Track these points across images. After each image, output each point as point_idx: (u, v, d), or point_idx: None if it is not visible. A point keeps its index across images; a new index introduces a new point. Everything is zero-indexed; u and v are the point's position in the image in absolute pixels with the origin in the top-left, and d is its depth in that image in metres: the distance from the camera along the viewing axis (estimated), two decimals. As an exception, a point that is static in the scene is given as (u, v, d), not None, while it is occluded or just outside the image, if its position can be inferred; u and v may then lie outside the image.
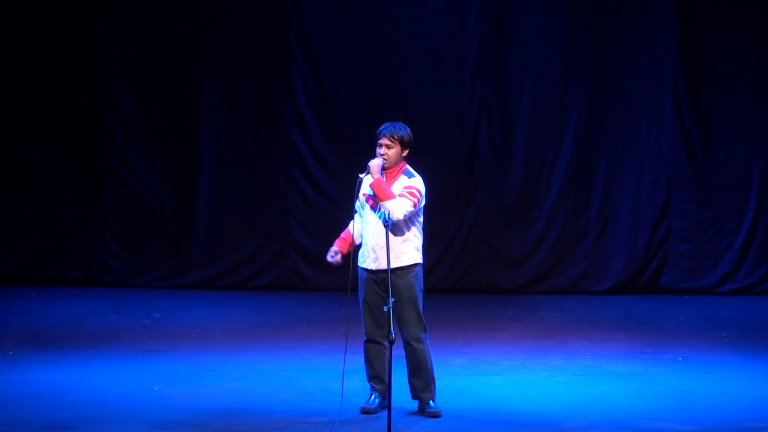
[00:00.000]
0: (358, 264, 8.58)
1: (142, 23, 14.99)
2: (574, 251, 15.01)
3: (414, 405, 8.65)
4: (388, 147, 8.48)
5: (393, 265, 8.33)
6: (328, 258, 8.61)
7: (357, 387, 8.83)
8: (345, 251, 8.63)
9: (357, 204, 8.69)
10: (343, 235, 8.71)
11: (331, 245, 8.67)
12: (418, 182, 8.52)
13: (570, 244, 15.02)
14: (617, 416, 8.60)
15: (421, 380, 8.55)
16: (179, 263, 15.05)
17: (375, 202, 8.43)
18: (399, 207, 8.36)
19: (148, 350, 11.00)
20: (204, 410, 8.65)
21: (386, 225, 8.29)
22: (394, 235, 8.42)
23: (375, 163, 8.41)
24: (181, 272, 15.03)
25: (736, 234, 14.94)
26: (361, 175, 8.44)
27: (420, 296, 8.55)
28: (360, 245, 8.66)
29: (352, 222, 8.75)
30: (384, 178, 8.45)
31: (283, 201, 15.04)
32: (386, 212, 8.36)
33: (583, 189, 15.02)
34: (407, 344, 8.54)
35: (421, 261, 8.60)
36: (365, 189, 8.58)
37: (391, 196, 8.37)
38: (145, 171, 15.08)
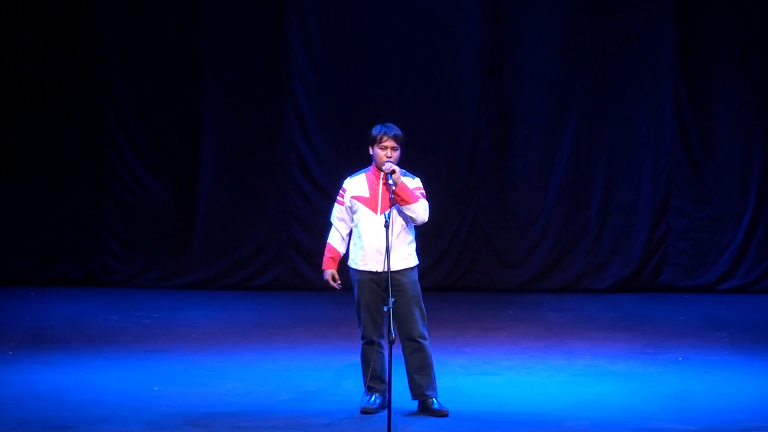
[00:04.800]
0: (356, 267, 8.55)
1: (142, 24, 14.98)
2: (574, 250, 15.02)
3: (414, 405, 8.65)
4: (393, 149, 8.48)
5: (402, 266, 8.46)
6: (333, 284, 8.59)
7: (357, 387, 8.83)
8: (337, 268, 8.65)
9: (342, 209, 8.65)
10: (330, 254, 8.65)
11: (322, 267, 8.64)
12: (420, 182, 8.56)
13: (570, 243, 15.03)
14: (617, 416, 8.60)
15: (428, 377, 8.54)
16: (179, 263, 15.05)
17: (389, 204, 8.38)
18: (423, 209, 8.44)
19: (148, 350, 11.00)
20: (204, 410, 8.65)
21: (386, 226, 8.29)
22: (402, 236, 8.45)
23: (397, 168, 8.39)
24: (181, 272, 15.03)
25: (735, 232, 14.96)
26: (389, 182, 8.38)
27: (421, 293, 8.59)
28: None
29: (332, 234, 8.69)
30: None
31: (283, 201, 15.05)
32: (412, 215, 8.40)
33: (583, 188, 15.04)
34: (413, 342, 8.52)
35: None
36: (355, 192, 8.56)
37: (416, 199, 8.41)
38: (145, 171, 15.08)
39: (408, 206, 8.40)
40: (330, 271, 8.62)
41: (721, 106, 14.91)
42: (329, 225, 8.77)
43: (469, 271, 15.10)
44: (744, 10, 14.82)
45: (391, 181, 8.34)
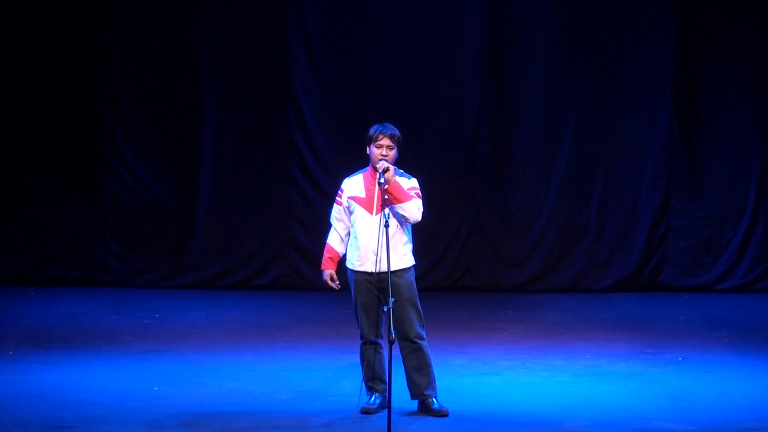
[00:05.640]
0: (352, 268, 8.55)
1: (143, 23, 14.99)
2: (574, 250, 15.03)
3: (414, 405, 8.65)
4: (389, 148, 8.48)
5: (397, 267, 8.42)
6: (331, 284, 8.59)
7: (357, 387, 8.82)
8: (336, 268, 8.66)
9: (340, 209, 8.65)
10: (329, 255, 8.66)
11: (321, 267, 8.66)
12: (416, 182, 8.55)
13: (570, 243, 15.04)
14: (617, 416, 8.59)
15: (426, 377, 8.53)
16: (179, 263, 15.06)
17: (383, 204, 8.39)
18: (416, 208, 8.42)
19: (148, 350, 11.00)
20: (204, 410, 8.65)
21: (386, 226, 8.29)
22: (396, 236, 8.44)
23: (390, 167, 8.39)
24: (181, 272, 15.04)
25: (734, 232, 14.98)
26: (380, 181, 8.38)
27: (417, 294, 8.58)
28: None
29: (331, 235, 8.71)
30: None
31: (283, 200, 15.05)
32: (405, 214, 8.38)
33: (583, 187, 15.04)
34: (410, 342, 8.51)
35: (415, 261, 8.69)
36: (352, 192, 8.57)
37: (409, 198, 8.39)
38: (145, 171, 15.08)
39: (400, 205, 8.39)
40: (328, 272, 8.63)
41: (720, 106, 14.92)
42: (329, 225, 8.78)
43: (469, 271, 15.11)
44: (743, 12, 14.82)
45: (382, 180, 8.34)
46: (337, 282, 8.61)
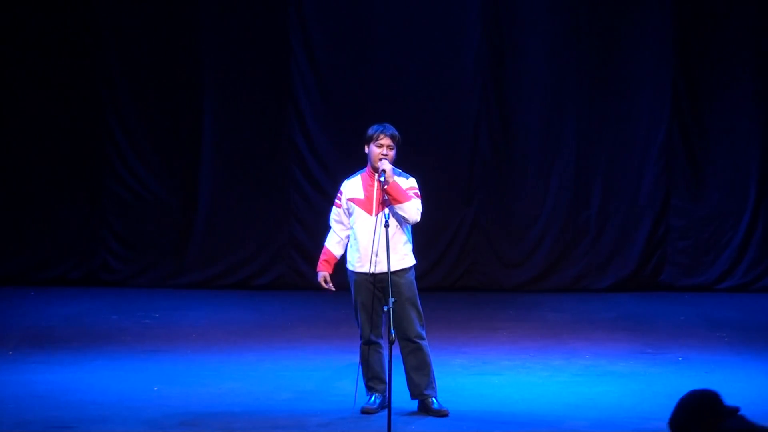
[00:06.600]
0: (353, 269, 8.55)
1: (143, 23, 14.98)
2: (574, 249, 15.02)
3: (414, 405, 8.65)
4: (389, 148, 8.49)
5: (397, 267, 8.41)
6: (325, 286, 8.63)
7: (357, 387, 8.83)
8: (332, 271, 8.66)
9: (339, 211, 8.66)
10: (325, 257, 8.69)
11: (316, 269, 8.70)
12: (415, 182, 8.56)
13: (570, 243, 15.03)
14: (617, 416, 8.60)
15: (426, 376, 8.54)
16: (179, 263, 15.05)
17: (382, 204, 8.39)
18: (416, 208, 8.42)
19: (148, 350, 11.00)
20: (204, 410, 8.65)
21: (386, 226, 8.29)
22: (396, 236, 8.44)
23: (389, 167, 8.39)
24: (181, 272, 15.03)
25: (734, 231, 14.97)
26: (380, 179, 8.38)
27: (417, 294, 8.58)
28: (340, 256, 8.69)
29: (329, 237, 8.73)
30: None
31: (283, 200, 15.05)
32: (404, 214, 8.37)
33: (583, 187, 15.04)
34: (410, 342, 8.51)
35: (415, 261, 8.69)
36: (351, 194, 8.57)
37: (408, 198, 8.39)
38: (145, 170, 15.08)
39: (399, 205, 8.38)
40: (323, 274, 8.65)
41: (720, 106, 14.91)
42: (329, 227, 8.79)
43: (469, 271, 15.10)
44: (743, 11, 14.82)
45: (382, 179, 8.34)
46: (331, 284, 8.62)
